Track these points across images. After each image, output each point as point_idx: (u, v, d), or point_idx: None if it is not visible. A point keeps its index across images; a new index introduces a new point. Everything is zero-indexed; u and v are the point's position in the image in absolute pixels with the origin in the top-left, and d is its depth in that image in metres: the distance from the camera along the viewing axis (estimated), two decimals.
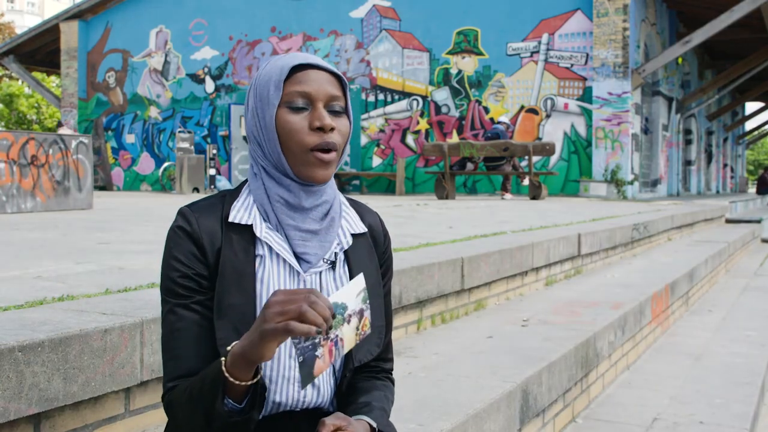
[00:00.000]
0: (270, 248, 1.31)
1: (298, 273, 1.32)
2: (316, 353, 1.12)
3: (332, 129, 1.29)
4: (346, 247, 1.38)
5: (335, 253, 1.36)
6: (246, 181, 1.38)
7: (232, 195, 1.36)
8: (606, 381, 3.63)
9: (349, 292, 1.15)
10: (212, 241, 1.29)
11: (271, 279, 1.30)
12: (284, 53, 1.36)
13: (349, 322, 1.15)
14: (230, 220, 1.31)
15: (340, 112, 1.32)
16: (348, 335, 1.15)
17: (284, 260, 1.31)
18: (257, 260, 1.30)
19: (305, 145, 1.28)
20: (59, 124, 19.00)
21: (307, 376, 1.13)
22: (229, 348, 1.15)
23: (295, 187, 1.32)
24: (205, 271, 1.29)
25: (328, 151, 1.29)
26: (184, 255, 1.29)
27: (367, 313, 1.18)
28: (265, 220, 1.32)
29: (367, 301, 1.18)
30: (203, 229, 1.30)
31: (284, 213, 1.31)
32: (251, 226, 1.31)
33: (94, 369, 1.71)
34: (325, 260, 1.34)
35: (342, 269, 1.37)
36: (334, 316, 1.10)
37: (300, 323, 1.06)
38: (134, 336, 1.83)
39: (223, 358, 1.15)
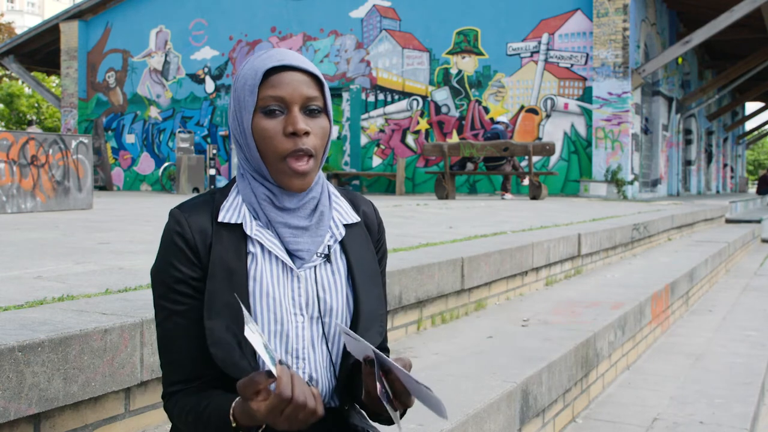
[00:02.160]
0: (262, 246, 1.31)
1: (292, 269, 1.31)
2: None
3: (306, 133, 1.28)
4: (339, 238, 1.37)
5: (328, 246, 1.35)
6: (235, 178, 1.38)
7: (222, 193, 1.35)
8: (606, 381, 3.63)
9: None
10: (204, 240, 1.29)
11: (265, 277, 1.29)
12: (264, 50, 1.34)
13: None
14: (219, 220, 1.30)
15: (318, 113, 1.30)
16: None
17: (277, 257, 1.31)
18: (249, 258, 1.30)
19: (279, 152, 1.27)
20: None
21: None
22: (233, 405, 1.16)
23: (277, 190, 1.32)
24: (199, 273, 1.29)
25: (303, 157, 1.28)
26: (178, 260, 1.28)
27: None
28: (255, 218, 1.32)
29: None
30: (194, 229, 1.29)
31: (272, 211, 1.31)
32: (241, 225, 1.31)
33: (94, 369, 1.71)
34: (318, 254, 1.34)
35: (340, 260, 1.37)
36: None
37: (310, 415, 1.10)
38: (134, 336, 1.83)
39: (231, 412, 1.16)
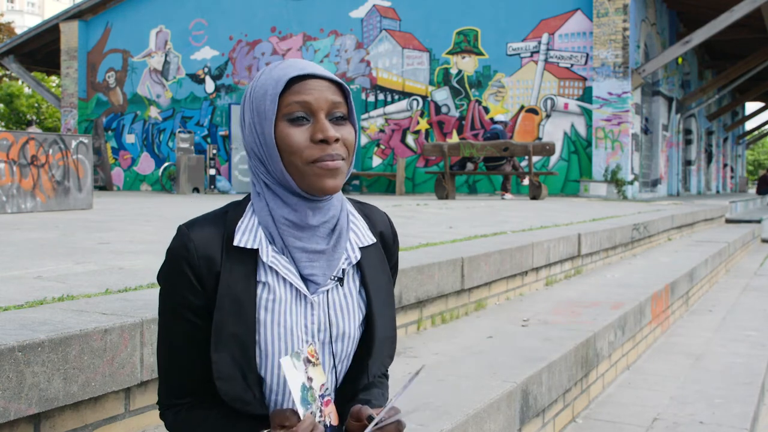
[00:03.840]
0: (276, 273, 1.26)
1: (305, 296, 1.27)
2: None
3: (336, 140, 1.22)
4: (354, 262, 1.32)
5: (342, 269, 1.30)
6: (250, 196, 1.32)
7: (236, 212, 1.29)
8: (606, 381, 3.63)
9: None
10: (210, 268, 1.24)
11: (277, 305, 1.25)
12: (280, 61, 1.29)
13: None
14: (235, 243, 1.25)
15: (344, 120, 1.25)
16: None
17: (291, 284, 1.26)
18: (260, 287, 1.25)
19: (307, 159, 1.21)
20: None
21: None
22: None
23: (301, 204, 1.25)
24: (202, 300, 1.24)
25: (333, 159, 1.22)
26: (181, 285, 1.25)
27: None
28: (271, 243, 1.26)
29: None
30: (201, 255, 1.24)
31: (291, 235, 1.25)
32: (255, 249, 1.26)
33: (94, 369, 1.71)
34: (332, 278, 1.29)
35: (352, 283, 1.32)
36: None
37: None
38: (134, 336, 1.83)
39: None
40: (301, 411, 1.15)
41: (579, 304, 4.04)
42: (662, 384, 3.76)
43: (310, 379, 1.19)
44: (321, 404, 1.20)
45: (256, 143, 1.25)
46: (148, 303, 2.08)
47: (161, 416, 1.32)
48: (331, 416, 1.23)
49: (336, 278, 1.29)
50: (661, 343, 4.72)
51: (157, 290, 2.33)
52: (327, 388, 1.23)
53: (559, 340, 3.10)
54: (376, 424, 1.17)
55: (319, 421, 1.19)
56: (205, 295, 1.24)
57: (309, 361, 1.19)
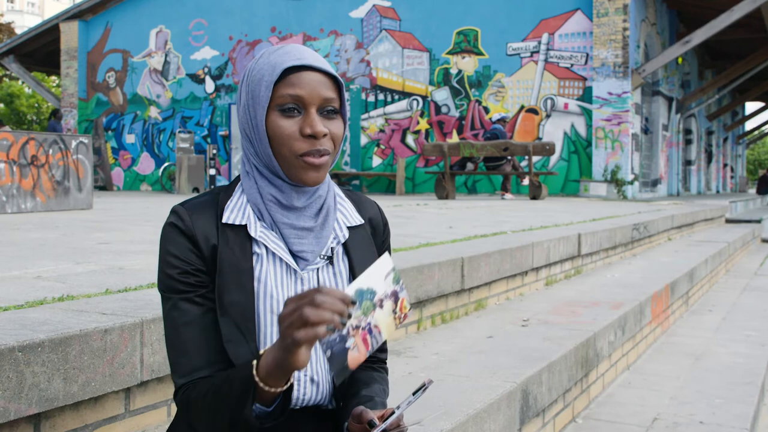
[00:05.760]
0: (266, 247, 1.29)
1: (296, 271, 1.30)
2: (347, 345, 1.06)
3: (324, 135, 1.26)
4: (342, 241, 1.36)
5: (331, 248, 1.34)
6: (239, 177, 1.36)
7: (226, 193, 1.33)
8: (606, 381, 3.63)
9: (375, 275, 1.08)
10: (207, 238, 1.27)
11: (269, 278, 1.28)
12: (281, 46, 1.32)
13: (381, 306, 1.07)
14: (224, 221, 1.29)
15: (334, 114, 1.29)
16: (383, 320, 1.08)
17: (281, 259, 1.29)
18: (254, 258, 1.29)
19: (295, 151, 1.25)
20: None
21: (340, 370, 1.07)
22: (261, 353, 1.12)
23: (287, 187, 1.30)
24: (202, 266, 1.27)
25: (318, 154, 1.26)
26: (180, 251, 1.26)
27: (403, 294, 1.10)
28: (259, 219, 1.30)
29: (400, 282, 1.10)
30: (197, 226, 1.27)
31: (278, 212, 1.29)
32: (246, 226, 1.29)
33: (94, 369, 1.71)
34: (321, 256, 1.32)
35: (342, 263, 1.36)
36: (354, 303, 1.04)
37: (305, 331, 1.02)
38: (134, 336, 1.83)
39: (253, 365, 1.11)
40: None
41: (579, 304, 4.04)
42: (662, 384, 3.76)
43: (380, 300, 1.09)
44: (362, 324, 1.09)
45: (249, 125, 1.30)
46: (148, 303, 2.08)
47: (182, 396, 1.26)
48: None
49: (326, 257, 1.32)
50: (661, 343, 4.72)
51: (157, 290, 2.33)
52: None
53: (559, 340, 3.10)
54: None
55: (364, 328, 1.09)
56: (204, 262, 1.27)
57: (396, 298, 1.10)
